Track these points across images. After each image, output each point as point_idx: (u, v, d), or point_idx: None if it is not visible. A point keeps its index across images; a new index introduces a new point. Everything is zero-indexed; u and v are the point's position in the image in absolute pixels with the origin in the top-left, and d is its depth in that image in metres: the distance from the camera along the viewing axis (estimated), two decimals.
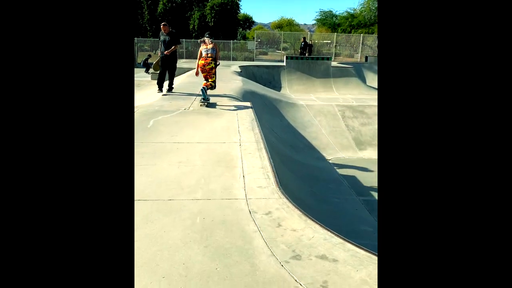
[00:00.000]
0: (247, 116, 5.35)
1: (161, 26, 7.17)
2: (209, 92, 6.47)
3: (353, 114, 9.90)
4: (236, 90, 8.43)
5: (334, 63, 16.54)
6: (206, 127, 4.75)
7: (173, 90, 7.71)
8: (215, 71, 6.31)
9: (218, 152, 3.79)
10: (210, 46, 6.25)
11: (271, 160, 3.53)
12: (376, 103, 9.84)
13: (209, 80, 6.23)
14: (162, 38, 7.18)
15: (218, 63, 6.29)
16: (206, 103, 6.24)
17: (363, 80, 16.15)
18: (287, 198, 2.73)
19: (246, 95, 8.19)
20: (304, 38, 21.86)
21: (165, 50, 6.99)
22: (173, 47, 7.03)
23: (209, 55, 6.19)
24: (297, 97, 11.71)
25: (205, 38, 6.32)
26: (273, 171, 3.21)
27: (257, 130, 4.52)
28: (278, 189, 2.88)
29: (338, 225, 3.79)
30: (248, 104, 6.67)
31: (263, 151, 3.81)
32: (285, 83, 14.39)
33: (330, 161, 7.38)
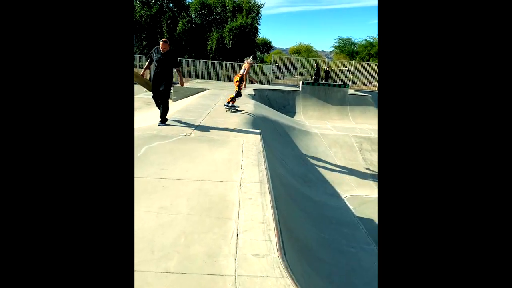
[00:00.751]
0: (254, 147, 4.82)
1: (161, 42, 5.58)
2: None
3: (372, 147, 9.33)
4: (247, 114, 7.96)
5: (351, 91, 16.12)
6: (205, 158, 4.20)
7: (174, 117, 6.75)
8: (239, 85, 7.85)
9: (212, 195, 3.17)
10: (244, 65, 7.74)
11: (276, 211, 2.87)
12: None
13: (235, 90, 7.89)
14: (156, 57, 5.59)
15: (243, 82, 7.79)
16: (230, 110, 7.90)
17: None
18: (292, 278, 2.04)
19: (257, 121, 7.70)
20: (317, 64, 21.39)
21: (159, 71, 5.55)
22: (180, 78, 5.92)
23: (240, 72, 7.87)
24: (312, 124, 11.35)
25: (246, 57, 7.91)
26: (277, 229, 2.56)
27: (263, 166, 3.92)
28: (281, 260, 2.21)
29: (355, 286, 3.35)
30: (257, 131, 6.21)
31: (267, 196, 3.16)
32: (299, 109, 14.02)
33: (345, 199, 6.76)
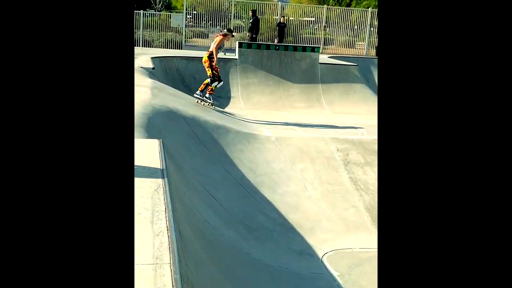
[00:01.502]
0: (147, 179, 3.79)
1: None
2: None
3: (364, 157, 7.86)
4: (138, 110, 6.53)
5: (323, 57, 14.02)
6: None
7: None
8: (211, 65, 8.17)
9: None
10: (215, 38, 8.37)
11: None
12: None
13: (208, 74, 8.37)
14: None
15: (214, 59, 8.21)
16: (203, 102, 8.46)
17: (373, 89, 13.12)
18: None
19: (156, 121, 6.49)
20: (280, 21, 16.91)
21: None
22: None
23: (210, 47, 8.35)
24: (259, 120, 9.58)
25: (219, 29, 10.20)
26: None
27: (163, 222, 3.10)
28: None
29: None
30: (154, 141, 5.09)
31: None
32: (237, 92, 11.47)
33: (324, 259, 5.77)
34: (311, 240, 6.21)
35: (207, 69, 8.46)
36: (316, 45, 14.55)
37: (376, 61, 16.75)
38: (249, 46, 12.35)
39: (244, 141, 7.85)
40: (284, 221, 6.51)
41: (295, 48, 12.66)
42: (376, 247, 5.69)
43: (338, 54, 17.37)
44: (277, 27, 16.68)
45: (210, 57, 8.35)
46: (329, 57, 15.19)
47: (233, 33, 9.07)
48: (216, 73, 8.40)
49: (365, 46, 18.91)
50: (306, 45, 13.90)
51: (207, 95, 8.64)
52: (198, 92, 8.78)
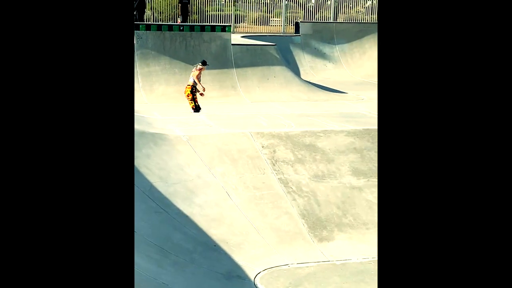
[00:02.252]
0: None
1: None
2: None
3: (294, 153, 8.35)
4: None
5: (236, 37, 14.69)
6: None
7: None
8: (193, 98, 10.48)
9: None
10: (192, 73, 10.64)
11: None
12: (338, 126, 9.37)
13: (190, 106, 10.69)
14: None
15: (196, 92, 10.61)
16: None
17: (295, 71, 14.54)
18: None
19: None
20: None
21: None
22: None
23: (188, 81, 10.62)
24: (165, 115, 10.08)
25: (195, 64, 10.93)
26: None
27: None
28: None
29: None
30: None
31: None
32: (137, 83, 11.96)
33: (257, 282, 6.02)
34: (240, 259, 6.43)
35: (189, 102, 10.36)
36: (226, 23, 14.91)
37: (296, 38, 17.90)
38: (147, 27, 12.38)
39: (151, 143, 7.91)
40: (206, 238, 6.69)
41: (202, 28, 13.06)
42: (317, 261, 6.03)
43: (252, 33, 18.04)
44: (180, 4, 16.92)
45: (193, 91, 10.28)
46: (242, 36, 15.70)
47: (207, 64, 10.92)
48: (196, 104, 10.36)
49: (282, 23, 19.85)
50: (215, 23, 14.17)
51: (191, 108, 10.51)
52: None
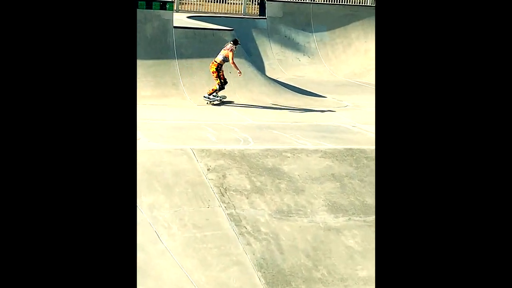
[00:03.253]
0: None
1: None
2: None
3: (251, 179, 8.43)
4: None
5: (180, 18, 14.99)
6: None
7: None
8: (219, 75, 12.58)
9: None
10: (223, 52, 12.60)
11: None
12: (311, 143, 9.52)
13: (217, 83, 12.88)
14: None
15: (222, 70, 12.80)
16: (211, 102, 12.79)
17: (259, 66, 14.70)
18: None
19: None
20: None
21: None
22: None
23: (216, 59, 12.66)
24: None
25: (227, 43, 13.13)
26: None
27: None
28: None
29: None
30: None
31: None
32: None
33: None
34: None
35: (215, 79, 12.40)
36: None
37: (260, 22, 17.97)
38: None
39: None
40: None
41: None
42: None
43: (202, 12, 18.14)
44: None
45: (218, 69, 12.33)
46: (188, 17, 15.77)
47: (239, 43, 13.02)
48: (222, 81, 12.36)
49: (242, 0, 20.04)
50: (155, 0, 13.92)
51: (211, 95, 12.52)
52: (206, 95, 12.56)
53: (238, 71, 12.38)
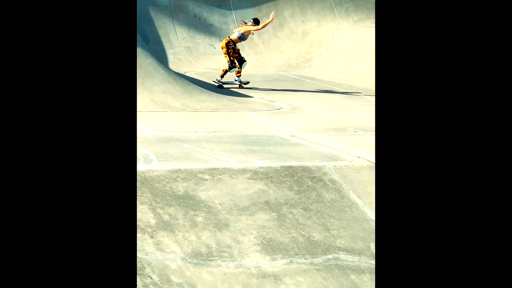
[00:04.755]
0: None
1: None
2: None
3: (156, 211, 8.38)
4: None
5: None
6: None
7: None
8: (228, 52, 16.12)
9: None
10: (240, 29, 16.46)
11: None
12: (236, 160, 9.71)
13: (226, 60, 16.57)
14: None
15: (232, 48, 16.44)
16: (220, 84, 16.28)
17: (160, 56, 14.98)
18: None
19: None
20: None
21: None
22: None
23: (232, 35, 16.45)
24: None
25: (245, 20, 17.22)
26: None
27: None
28: None
29: None
30: None
31: None
32: None
33: None
34: None
35: (224, 55, 15.83)
36: None
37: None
38: None
39: None
40: None
41: None
42: None
43: None
44: None
45: (228, 45, 15.72)
46: None
47: (259, 22, 16.24)
48: (233, 59, 15.65)
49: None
50: None
51: (236, 78, 15.75)
52: (218, 78, 15.79)
53: (271, 16, 15.86)
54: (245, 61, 16.03)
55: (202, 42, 17.14)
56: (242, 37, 15.82)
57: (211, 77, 15.23)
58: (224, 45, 15.77)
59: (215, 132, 10.59)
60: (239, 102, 13.21)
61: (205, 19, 17.31)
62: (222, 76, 15.80)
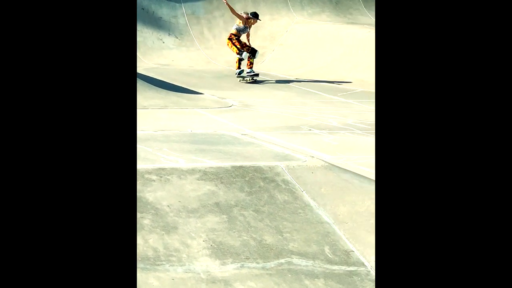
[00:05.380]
0: None
1: None
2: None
3: None
4: None
5: None
6: None
7: None
8: (233, 42, 17.16)
9: None
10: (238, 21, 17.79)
11: None
12: (184, 160, 9.83)
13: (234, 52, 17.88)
14: None
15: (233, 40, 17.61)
16: (243, 79, 17.47)
17: None
18: None
19: None
20: None
21: None
22: None
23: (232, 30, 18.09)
24: None
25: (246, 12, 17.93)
26: None
27: None
28: None
29: None
30: None
31: None
32: None
33: None
34: None
35: (231, 49, 16.75)
36: None
37: None
38: None
39: None
40: None
41: None
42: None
43: None
44: None
45: (231, 39, 16.62)
46: None
47: (259, 18, 17.17)
48: (240, 46, 16.56)
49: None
50: None
51: (247, 69, 16.69)
52: (236, 72, 16.68)
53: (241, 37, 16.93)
54: (256, 50, 16.93)
55: (150, 36, 16.95)
56: (239, 28, 16.64)
57: (160, 73, 15.02)
58: (228, 41, 16.69)
59: (163, 130, 10.44)
60: (188, 99, 13.05)
61: (154, 12, 17.14)
62: (239, 68, 16.65)
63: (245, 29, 16.84)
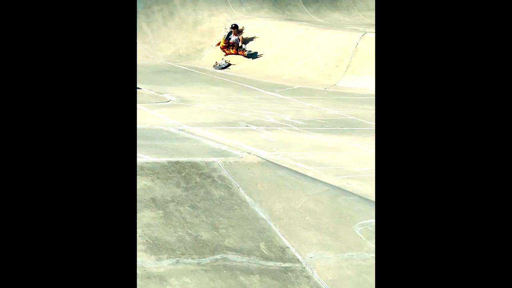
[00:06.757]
0: None
1: None
2: None
3: None
4: None
5: None
6: None
7: None
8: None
9: None
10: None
11: None
12: None
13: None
14: None
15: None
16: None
17: None
18: None
19: None
20: None
21: None
22: None
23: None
24: None
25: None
26: None
27: None
28: None
29: None
30: None
31: None
32: None
33: None
34: None
35: (233, 53, 18.88)
36: None
37: None
38: None
39: None
40: None
41: None
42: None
43: None
44: None
45: (225, 48, 19.48)
46: None
47: (239, 29, 18.95)
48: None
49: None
50: None
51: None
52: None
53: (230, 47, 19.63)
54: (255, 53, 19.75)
55: None
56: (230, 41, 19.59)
57: None
58: (224, 48, 19.53)
59: None
60: None
61: None
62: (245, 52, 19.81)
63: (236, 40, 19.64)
